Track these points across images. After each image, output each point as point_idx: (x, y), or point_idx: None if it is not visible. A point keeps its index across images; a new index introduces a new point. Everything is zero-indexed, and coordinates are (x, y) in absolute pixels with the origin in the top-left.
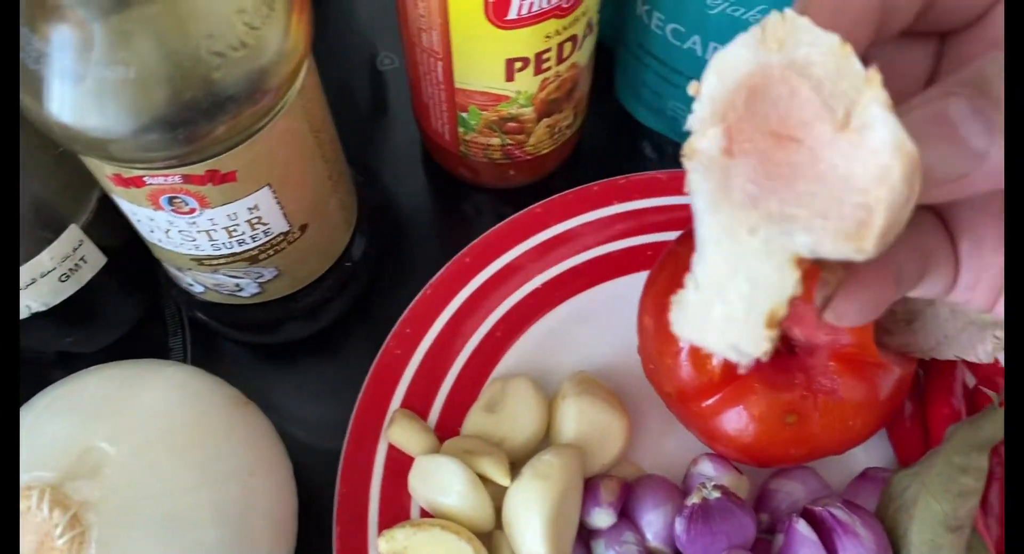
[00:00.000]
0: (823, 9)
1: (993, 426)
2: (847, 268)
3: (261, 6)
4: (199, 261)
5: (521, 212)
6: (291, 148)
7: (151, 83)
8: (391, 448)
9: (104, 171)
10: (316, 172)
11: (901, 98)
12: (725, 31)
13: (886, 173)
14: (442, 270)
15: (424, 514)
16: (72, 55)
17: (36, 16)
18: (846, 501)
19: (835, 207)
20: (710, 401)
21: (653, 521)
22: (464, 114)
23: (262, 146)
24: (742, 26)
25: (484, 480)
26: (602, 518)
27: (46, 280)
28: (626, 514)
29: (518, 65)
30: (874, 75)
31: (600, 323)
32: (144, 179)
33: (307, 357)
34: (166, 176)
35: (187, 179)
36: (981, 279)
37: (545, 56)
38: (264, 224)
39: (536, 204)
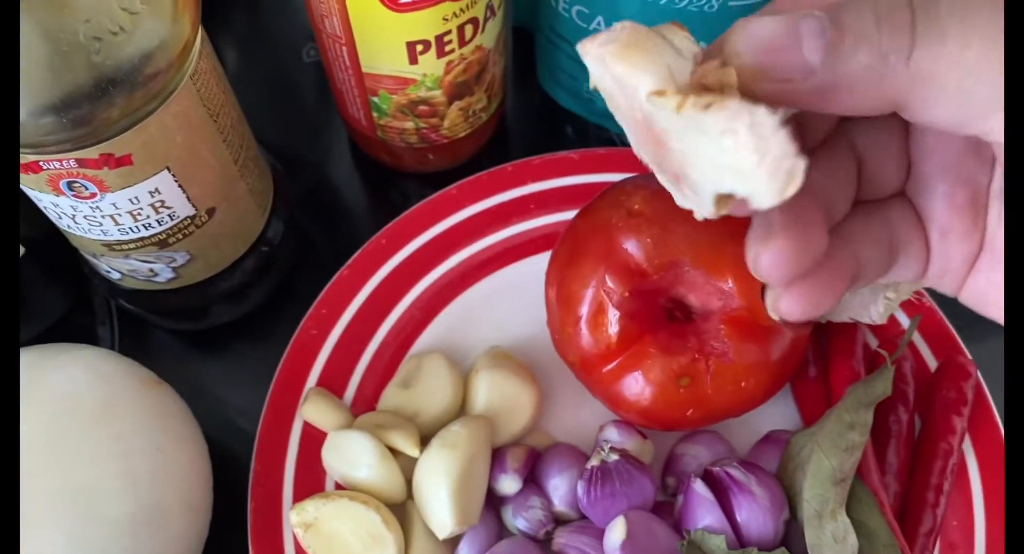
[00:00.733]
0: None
1: (883, 384)
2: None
3: None
4: (109, 246)
5: (436, 194)
6: (188, 132)
7: (31, 68)
8: (306, 425)
9: None
10: (219, 156)
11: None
12: (627, 10)
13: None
14: (358, 252)
15: (340, 489)
16: None
17: None
18: (743, 461)
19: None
20: (610, 367)
21: (559, 485)
22: (375, 98)
23: (155, 130)
24: (641, 6)
25: (395, 453)
26: (508, 484)
27: None
28: (534, 481)
29: (419, 48)
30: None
31: (516, 300)
32: (40, 164)
33: (235, 341)
34: (60, 161)
35: (82, 163)
36: (949, 268)
37: (446, 38)
38: (168, 208)
39: (451, 186)
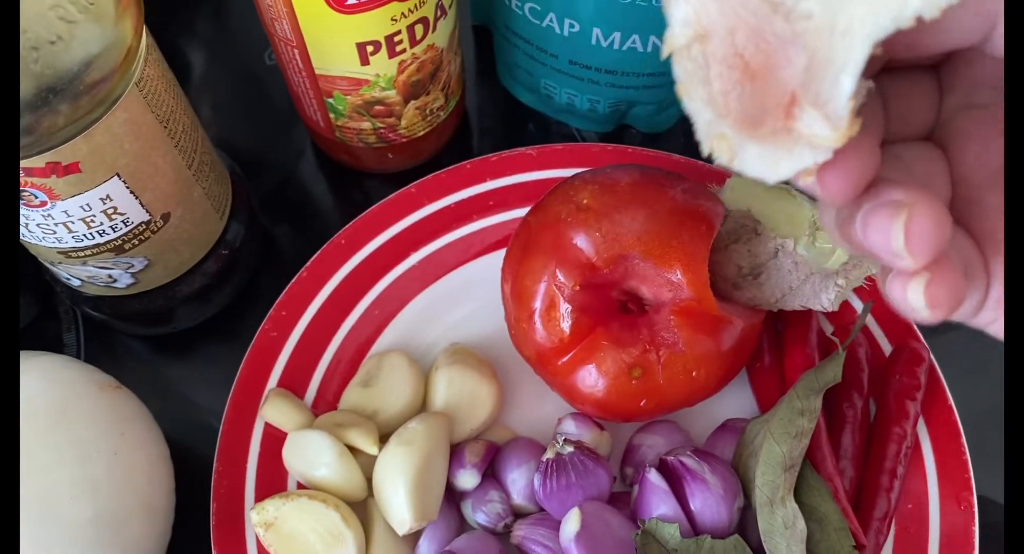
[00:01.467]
0: None
1: (833, 370)
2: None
3: (79, 0)
4: (65, 254)
5: (396, 193)
6: (137, 138)
7: None
8: (267, 426)
9: None
10: (171, 162)
11: (906, 132)
12: (575, 7)
13: None
14: (317, 253)
15: (302, 488)
16: None
17: None
18: (697, 450)
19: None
20: (564, 360)
21: (517, 479)
22: (330, 100)
23: (102, 137)
24: (590, 2)
25: (355, 451)
26: (467, 479)
27: None
28: (494, 475)
29: (370, 49)
30: None
31: (478, 297)
32: None
33: (201, 344)
34: None
35: (29, 172)
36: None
37: (396, 39)
38: (121, 214)
39: (411, 184)
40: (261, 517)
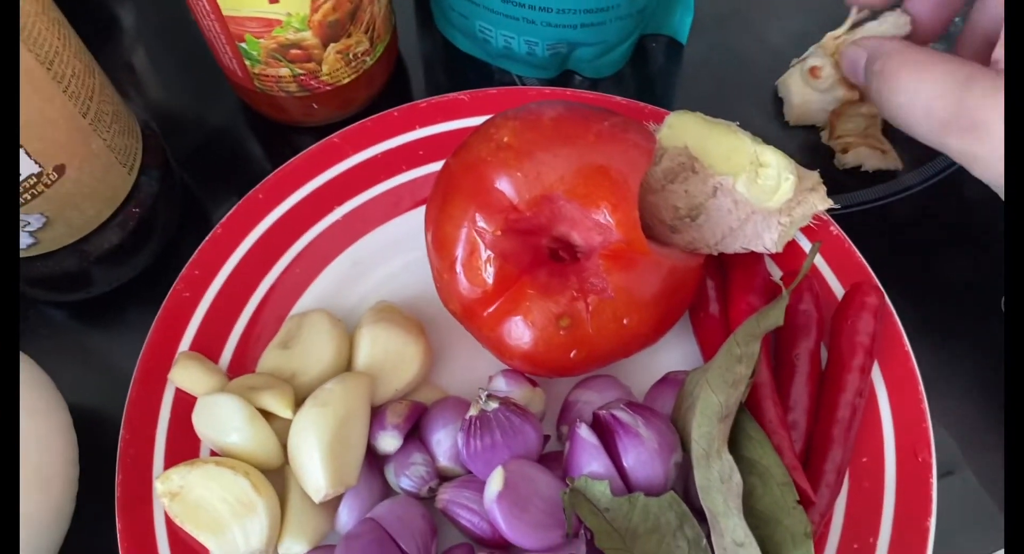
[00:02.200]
0: None
1: (775, 314)
2: None
3: None
4: None
5: (318, 143)
6: None
7: None
8: (179, 392)
9: None
10: (60, 109)
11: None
12: None
13: None
14: (233, 209)
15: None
16: None
17: None
18: (631, 403)
19: None
20: (489, 311)
21: (442, 440)
22: (243, 45)
23: None
24: None
25: (271, 416)
26: (388, 442)
27: None
28: (420, 437)
29: None
30: None
31: (407, 252)
32: None
33: (119, 310)
34: None
35: None
36: None
37: None
38: None
39: (333, 134)
40: (166, 486)
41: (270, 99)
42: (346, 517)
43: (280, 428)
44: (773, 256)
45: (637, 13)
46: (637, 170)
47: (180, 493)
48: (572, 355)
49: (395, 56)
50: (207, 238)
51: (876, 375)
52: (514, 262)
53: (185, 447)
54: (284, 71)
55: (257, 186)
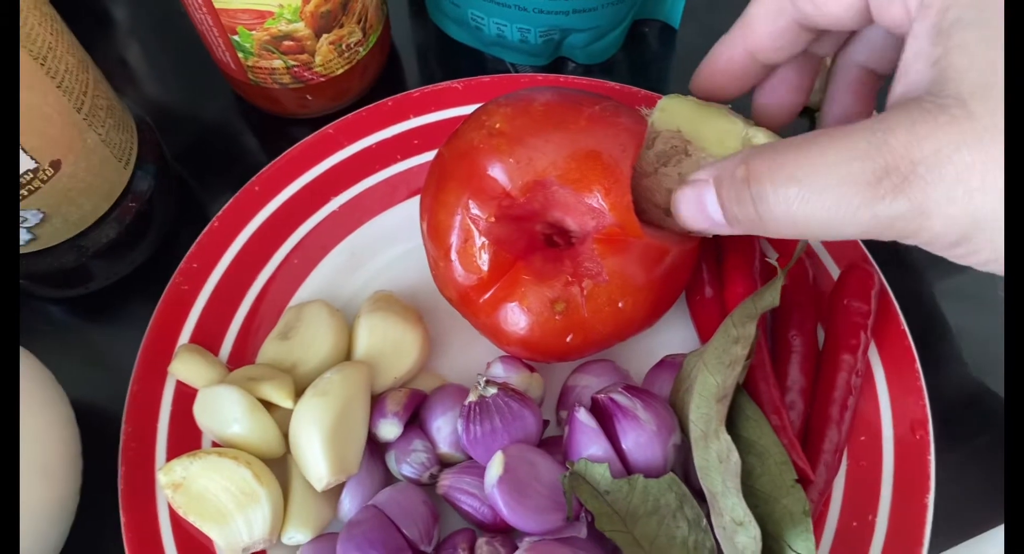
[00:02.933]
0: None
1: (771, 294)
2: None
3: None
4: None
5: (313, 134)
6: None
7: None
8: (180, 384)
9: None
10: (54, 103)
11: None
12: None
13: None
14: (229, 201)
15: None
16: None
17: None
18: (629, 386)
19: None
20: (485, 298)
21: (442, 427)
22: (236, 37)
23: None
24: None
25: (272, 407)
26: (388, 429)
27: None
28: (420, 424)
29: None
30: None
31: (404, 241)
32: None
33: (118, 304)
34: None
35: None
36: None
37: None
38: None
39: (328, 125)
40: (168, 478)
41: (264, 91)
42: (348, 505)
43: (281, 418)
44: (769, 238)
45: None
46: (629, 154)
47: (183, 484)
48: (568, 339)
49: (388, 46)
50: (204, 231)
51: (873, 354)
52: (508, 248)
53: (187, 439)
54: (277, 63)
55: (253, 178)
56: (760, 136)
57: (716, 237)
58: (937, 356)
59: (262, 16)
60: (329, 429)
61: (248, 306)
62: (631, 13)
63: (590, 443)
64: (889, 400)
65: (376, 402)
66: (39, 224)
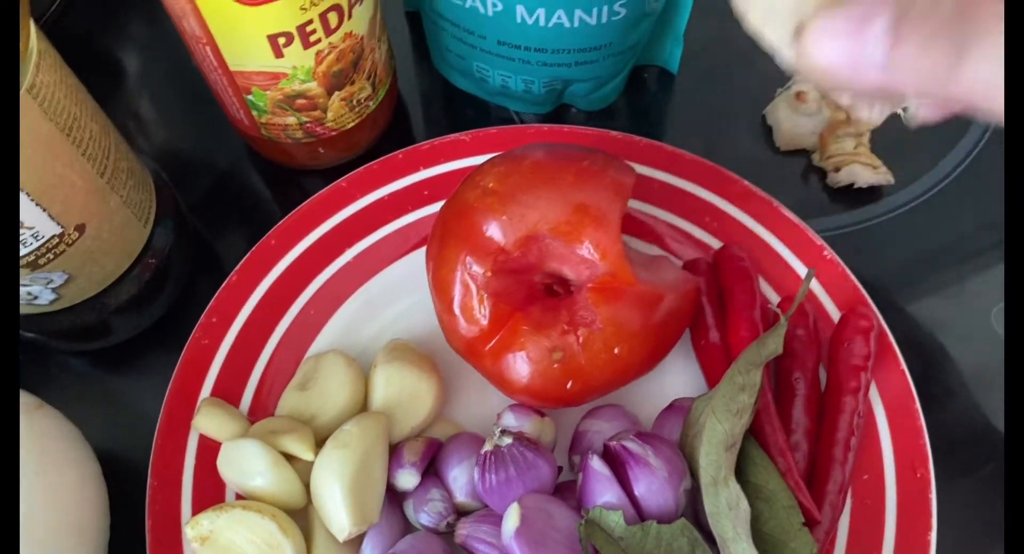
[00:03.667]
0: None
1: (774, 342)
2: None
3: None
4: None
5: (326, 188)
6: (36, 148)
7: None
8: (202, 438)
9: None
10: (80, 171)
11: None
12: None
13: None
14: (247, 256)
15: (240, 500)
16: None
17: None
18: (640, 433)
19: None
20: (488, 348)
21: (458, 476)
22: (250, 97)
23: None
24: None
25: (293, 458)
26: (407, 479)
27: None
28: (436, 473)
29: (282, 41)
30: None
31: (417, 290)
32: None
33: (142, 355)
34: None
35: None
36: None
37: (309, 28)
38: (29, 228)
39: (341, 178)
40: (196, 531)
41: (277, 145)
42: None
43: (302, 469)
44: (771, 281)
45: (629, 49)
46: (616, 205)
47: (210, 537)
48: (568, 386)
49: (396, 97)
50: (223, 286)
51: (874, 394)
52: (507, 300)
53: (211, 491)
54: (291, 119)
55: (269, 232)
56: None
57: (715, 276)
58: (939, 391)
59: (276, 77)
60: (350, 481)
61: (267, 358)
62: (631, 62)
63: (604, 491)
64: (891, 439)
65: (394, 452)
66: (64, 284)
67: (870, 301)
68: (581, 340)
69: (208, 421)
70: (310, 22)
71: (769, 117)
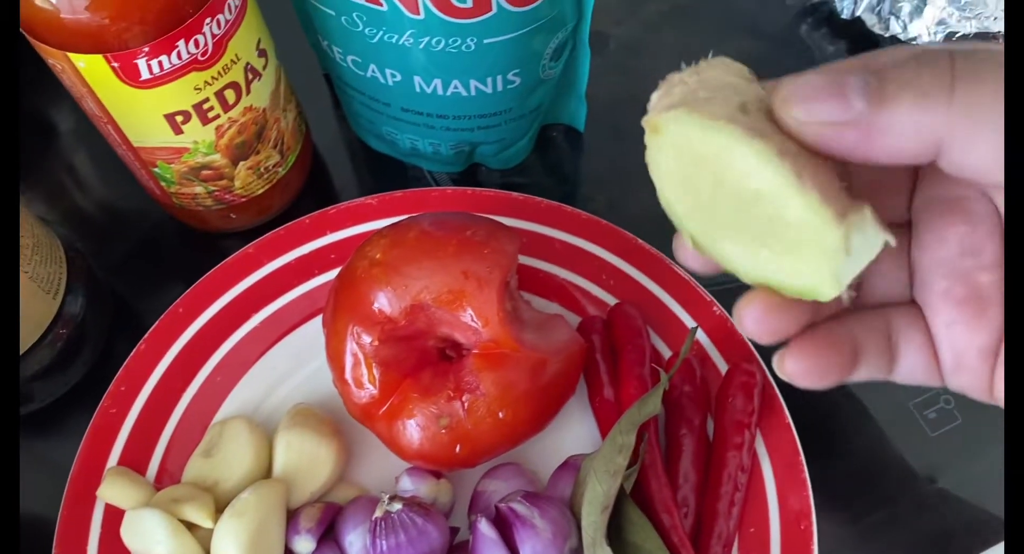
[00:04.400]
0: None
1: (653, 402)
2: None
3: None
4: None
5: (233, 255)
6: None
7: None
8: (108, 506)
9: None
10: None
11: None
12: (390, 57)
13: None
14: (155, 324)
15: None
16: None
17: None
18: (529, 494)
19: None
20: (380, 413)
21: (354, 541)
22: (156, 169)
23: None
24: (403, 52)
25: (194, 526)
26: (303, 545)
27: None
28: (334, 538)
29: (180, 118)
30: None
31: (324, 353)
32: None
33: (60, 420)
34: None
35: None
36: (964, 363)
37: (206, 106)
38: None
39: (249, 244)
40: None
41: (190, 212)
42: None
43: (205, 536)
44: (663, 336)
45: (531, 112)
46: (497, 274)
47: None
48: (458, 450)
49: (309, 160)
50: (131, 355)
51: (761, 447)
52: (397, 367)
53: None
54: (199, 189)
55: (177, 300)
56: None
57: (609, 334)
58: (831, 441)
59: (179, 152)
60: (246, 548)
61: (174, 425)
62: (536, 122)
63: (492, 553)
64: (776, 492)
65: (292, 518)
66: None
67: (757, 356)
68: (466, 406)
69: (112, 490)
70: (206, 100)
71: None
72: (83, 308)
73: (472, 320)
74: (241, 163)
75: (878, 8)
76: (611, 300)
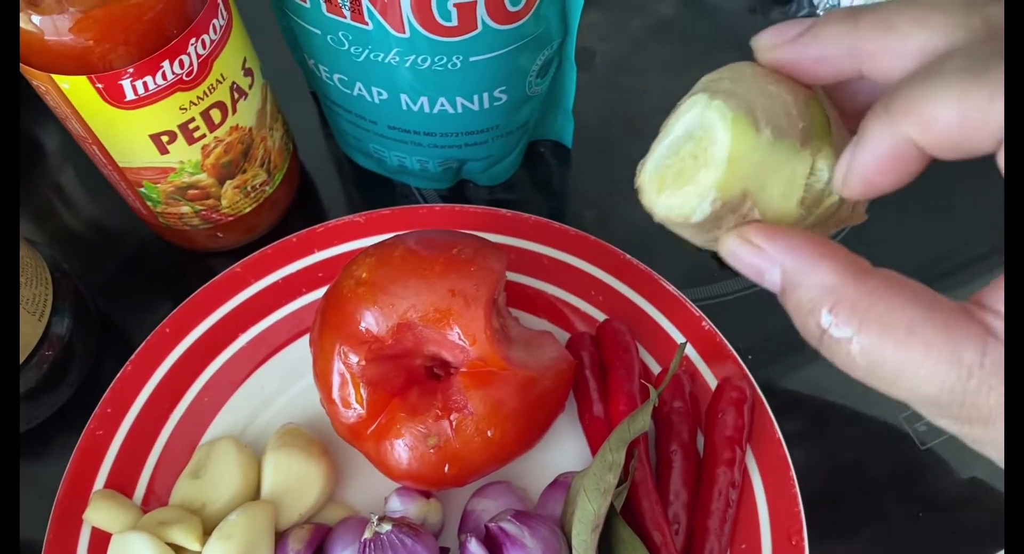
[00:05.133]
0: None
1: (643, 419)
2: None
3: None
4: None
5: (220, 274)
6: None
7: None
8: (94, 529)
9: None
10: None
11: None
12: (376, 75)
13: None
14: (142, 345)
15: None
16: None
17: None
18: (519, 513)
19: None
20: (368, 434)
21: None
22: (142, 189)
23: None
24: (389, 69)
25: (181, 549)
26: None
27: None
28: None
29: (165, 138)
30: None
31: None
32: None
33: (48, 442)
34: None
35: None
36: None
37: (192, 126)
38: None
39: (236, 264)
40: None
41: (177, 231)
42: None
43: None
44: (652, 352)
45: (518, 129)
46: (483, 292)
47: None
48: (446, 470)
49: (297, 178)
50: (118, 376)
51: (751, 463)
52: (385, 387)
53: None
54: (185, 208)
55: (163, 321)
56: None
57: (598, 350)
58: (823, 456)
59: (164, 172)
60: None
61: (161, 447)
62: (524, 139)
63: None
64: (767, 507)
65: (280, 539)
66: None
67: (747, 371)
68: (455, 425)
69: (99, 513)
70: (192, 120)
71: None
72: (69, 329)
73: (459, 338)
74: (228, 182)
75: None
76: (600, 316)
